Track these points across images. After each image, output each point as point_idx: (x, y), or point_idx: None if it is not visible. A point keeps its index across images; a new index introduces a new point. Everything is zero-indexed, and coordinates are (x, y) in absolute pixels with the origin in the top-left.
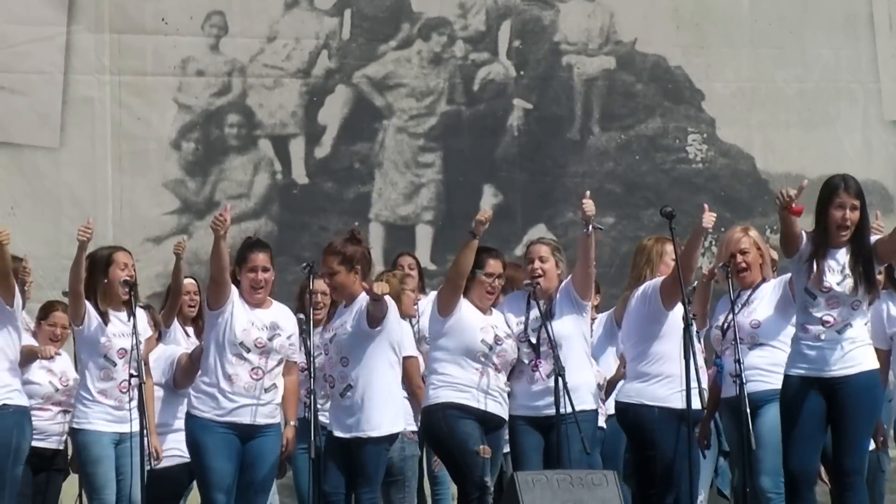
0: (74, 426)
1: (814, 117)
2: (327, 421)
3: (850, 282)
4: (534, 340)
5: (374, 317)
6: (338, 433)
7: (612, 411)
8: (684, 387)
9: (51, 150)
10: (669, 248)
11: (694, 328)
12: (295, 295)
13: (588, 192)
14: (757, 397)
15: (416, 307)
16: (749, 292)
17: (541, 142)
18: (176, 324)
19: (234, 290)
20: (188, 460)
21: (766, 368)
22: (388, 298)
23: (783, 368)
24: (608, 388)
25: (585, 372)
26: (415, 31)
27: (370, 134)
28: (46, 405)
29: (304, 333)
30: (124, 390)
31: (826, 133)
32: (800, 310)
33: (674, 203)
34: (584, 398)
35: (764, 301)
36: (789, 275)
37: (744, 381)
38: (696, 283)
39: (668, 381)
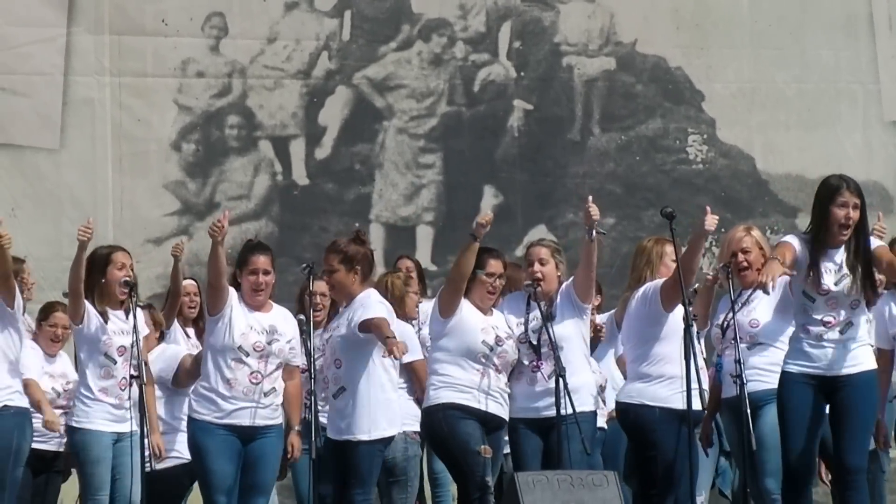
0: (74, 424)
1: (814, 118)
2: (327, 422)
3: (847, 281)
4: (534, 342)
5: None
6: (331, 435)
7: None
8: (685, 387)
9: (51, 152)
10: (669, 248)
11: (694, 329)
12: (295, 296)
13: (591, 198)
14: (757, 397)
15: (417, 309)
16: (749, 292)
17: (541, 143)
18: (176, 325)
19: (233, 293)
20: (188, 461)
21: (766, 368)
22: (386, 303)
23: (777, 368)
24: None
25: (585, 374)
26: (415, 33)
27: (370, 135)
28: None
29: (305, 335)
30: (124, 388)
31: (826, 134)
32: (799, 311)
33: (674, 204)
34: (583, 400)
35: (764, 301)
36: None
37: (744, 381)
38: (697, 284)
39: (669, 382)
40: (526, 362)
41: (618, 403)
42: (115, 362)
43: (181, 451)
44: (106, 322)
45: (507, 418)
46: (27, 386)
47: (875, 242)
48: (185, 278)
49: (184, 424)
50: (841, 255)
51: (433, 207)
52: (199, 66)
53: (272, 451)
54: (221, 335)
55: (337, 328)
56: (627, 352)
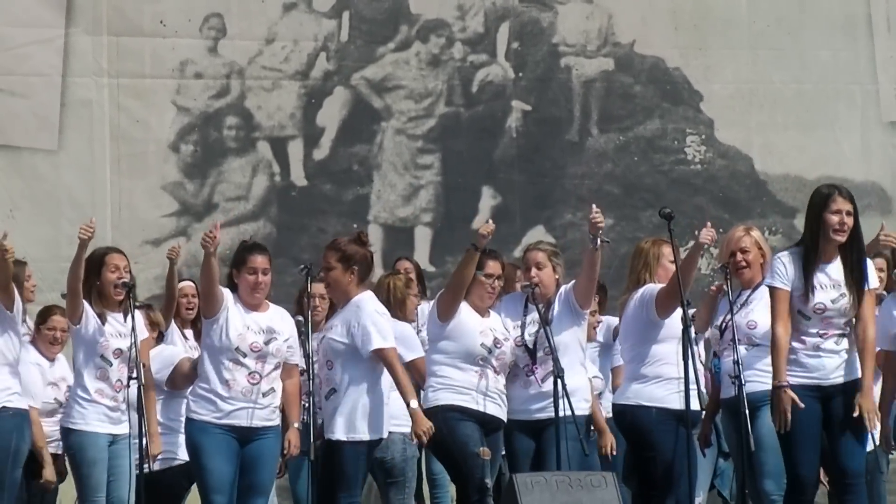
0: (70, 426)
1: (812, 118)
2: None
3: (845, 301)
4: (530, 346)
5: None
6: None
7: (609, 414)
8: (682, 388)
9: (49, 153)
10: (667, 250)
11: (692, 330)
12: (294, 298)
13: (594, 206)
14: (754, 398)
15: (416, 311)
16: (748, 293)
17: (539, 143)
18: (174, 326)
19: (228, 294)
20: (186, 462)
21: (764, 369)
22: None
23: None
24: None
25: (578, 378)
26: (413, 33)
27: (369, 136)
28: (52, 416)
29: (303, 336)
30: (119, 390)
31: (824, 134)
32: (793, 325)
33: (672, 204)
34: (577, 404)
35: (762, 302)
36: None
37: (742, 382)
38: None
39: (666, 382)
40: (521, 365)
41: (614, 405)
42: (111, 364)
43: (179, 452)
44: (103, 324)
45: (505, 419)
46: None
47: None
48: (182, 280)
49: (181, 426)
50: (837, 271)
51: (431, 208)
52: (198, 67)
53: (270, 452)
54: (218, 336)
55: (331, 329)
56: (624, 352)
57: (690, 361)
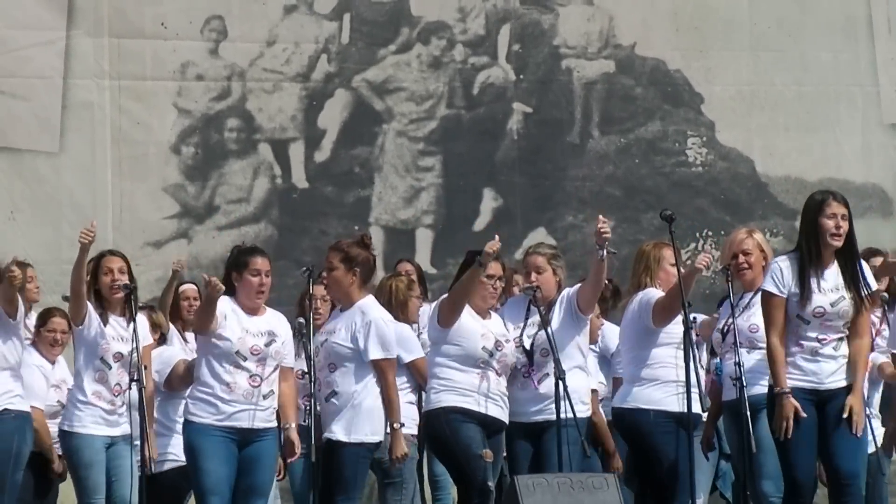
0: (66, 428)
1: (813, 120)
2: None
3: (845, 304)
4: (528, 347)
5: None
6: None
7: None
8: (681, 391)
9: (51, 155)
10: (667, 252)
11: (694, 333)
12: (296, 300)
13: (602, 217)
14: (756, 400)
15: (419, 313)
16: (750, 295)
17: (540, 145)
18: (174, 329)
19: (225, 299)
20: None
21: (765, 372)
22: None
23: None
24: None
25: (576, 380)
26: (414, 35)
27: (370, 138)
28: (54, 418)
29: (305, 338)
30: (117, 393)
31: (825, 136)
32: (791, 329)
33: (673, 206)
34: (575, 406)
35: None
36: None
37: (744, 384)
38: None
39: (664, 385)
40: (518, 367)
41: (613, 409)
42: (111, 368)
43: (179, 453)
44: (105, 326)
45: (507, 421)
46: (38, 432)
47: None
48: (184, 282)
49: (179, 427)
50: (835, 275)
51: (432, 210)
52: (199, 69)
53: (269, 453)
54: (218, 339)
55: (334, 332)
56: (623, 353)
57: (692, 363)
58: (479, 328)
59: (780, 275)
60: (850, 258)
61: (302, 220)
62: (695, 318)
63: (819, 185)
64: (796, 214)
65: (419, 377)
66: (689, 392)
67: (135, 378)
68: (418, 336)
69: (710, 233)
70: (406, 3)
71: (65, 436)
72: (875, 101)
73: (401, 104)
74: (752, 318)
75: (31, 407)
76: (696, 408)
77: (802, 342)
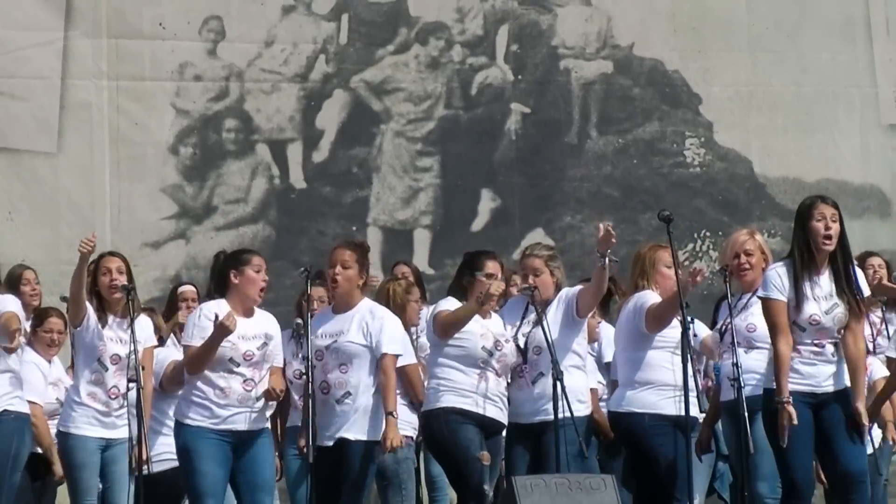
0: (62, 429)
1: (811, 121)
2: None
3: (839, 311)
4: (521, 345)
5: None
6: (323, 442)
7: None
8: (677, 393)
9: (49, 156)
10: (663, 254)
11: (691, 332)
12: (294, 301)
13: (602, 224)
14: (753, 401)
15: (419, 316)
16: (749, 296)
17: (539, 146)
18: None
19: (220, 307)
20: None
21: (761, 372)
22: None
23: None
24: None
25: (572, 380)
26: (412, 36)
27: (368, 138)
28: (53, 416)
29: (302, 339)
30: (114, 396)
31: (823, 137)
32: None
33: (671, 207)
34: (573, 405)
35: (759, 304)
36: None
37: (742, 384)
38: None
39: (659, 388)
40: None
41: (609, 413)
42: (107, 369)
43: (174, 453)
44: (103, 328)
45: (505, 422)
46: (37, 427)
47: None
48: (183, 284)
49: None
50: (828, 282)
51: (430, 211)
52: (197, 69)
53: (266, 451)
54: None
55: (344, 333)
56: (618, 355)
57: (689, 365)
58: (478, 328)
59: (779, 280)
60: (842, 262)
61: (300, 220)
62: (692, 319)
63: (817, 186)
64: (794, 215)
65: (406, 383)
66: (686, 394)
67: (132, 379)
68: (416, 339)
69: (707, 233)
70: (404, 3)
71: (60, 436)
72: (873, 102)
73: (399, 105)
74: (750, 317)
75: (31, 403)
76: (694, 411)
77: (800, 347)
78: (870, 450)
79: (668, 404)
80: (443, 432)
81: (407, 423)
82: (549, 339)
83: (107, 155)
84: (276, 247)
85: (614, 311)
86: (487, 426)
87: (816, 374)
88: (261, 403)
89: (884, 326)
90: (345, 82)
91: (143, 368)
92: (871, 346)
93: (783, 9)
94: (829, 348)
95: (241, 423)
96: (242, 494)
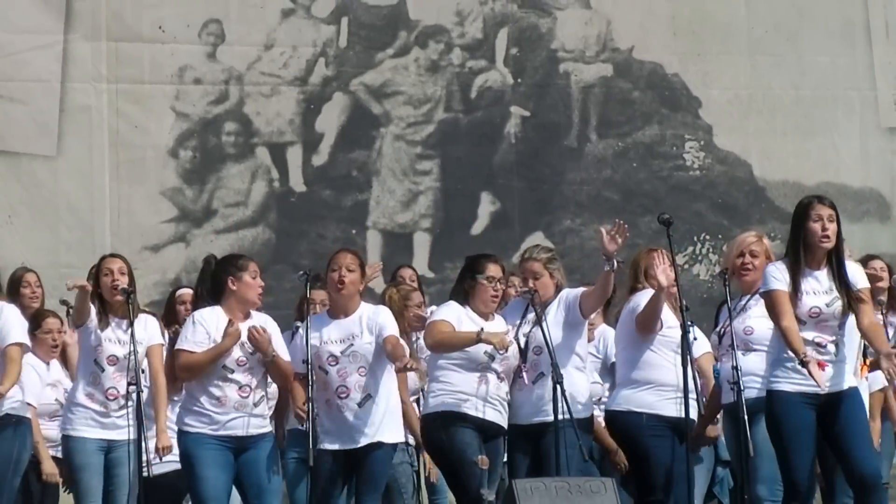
0: (63, 433)
1: (811, 125)
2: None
3: (839, 304)
4: (521, 345)
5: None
6: (343, 445)
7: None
8: (677, 395)
9: (48, 159)
10: (656, 257)
11: (691, 335)
12: (294, 304)
13: (605, 230)
14: (751, 403)
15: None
16: (748, 298)
17: (538, 149)
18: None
19: (217, 316)
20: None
21: (760, 374)
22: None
23: None
24: None
25: (572, 382)
26: (412, 39)
27: (367, 142)
28: (53, 418)
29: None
30: (112, 397)
31: (823, 140)
32: None
33: (671, 210)
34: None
35: (759, 308)
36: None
37: (741, 387)
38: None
39: (657, 389)
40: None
41: (606, 412)
42: (104, 370)
43: (176, 455)
44: (103, 330)
45: (505, 426)
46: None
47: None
48: (181, 287)
49: (174, 428)
50: (825, 277)
51: (430, 214)
52: (196, 72)
53: (269, 455)
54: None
55: (357, 336)
56: (618, 355)
57: (689, 368)
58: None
59: (779, 274)
60: (836, 260)
61: (300, 223)
62: (691, 323)
63: (816, 190)
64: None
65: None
66: (686, 397)
67: (132, 382)
68: (416, 341)
69: (707, 237)
70: (404, 6)
71: (63, 439)
72: (873, 105)
73: (398, 108)
74: (748, 320)
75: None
76: (693, 414)
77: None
78: None
79: (668, 406)
80: (440, 436)
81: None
82: (549, 342)
83: (106, 158)
84: (276, 250)
85: (612, 315)
86: (487, 429)
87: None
88: (259, 409)
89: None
90: (344, 85)
91: (143, 371)
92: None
93: (783, 12)
94: (831, 348)
95: (239, 429)
96: (249, 498)
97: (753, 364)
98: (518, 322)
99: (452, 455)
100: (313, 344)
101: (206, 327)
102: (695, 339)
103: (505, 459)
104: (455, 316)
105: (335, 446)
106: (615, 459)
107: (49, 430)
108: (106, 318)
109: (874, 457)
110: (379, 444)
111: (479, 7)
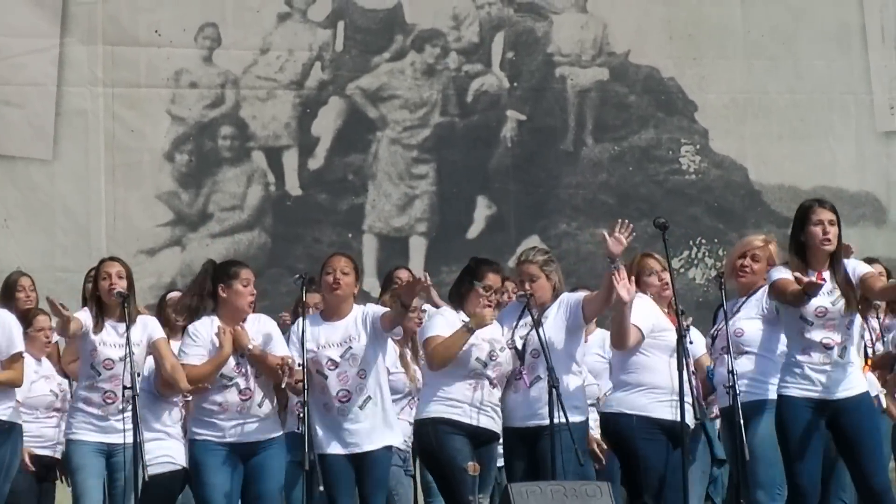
0: (65, 437)
1: (806, 128)
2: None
3: (843, 302)
4: (519, 347)
5: (393, 321)
6: (351, 449)
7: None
8: (672, 397)
9: (44, 163)
10: (650, 263)
11: (688, 339)
12: (290, 308)
13: (606, 233)
14: (746, 407)
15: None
16: (742, 301)
17: (534, 153)
18: None
19: (211, 325)
20: (179, 467)
21: (751, 377)
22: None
23: (766, 377)
24: None
25: (568, 385)
26: (408, 43)
27: (364, 145)
28: (50, 412)
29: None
30: (109, 401)
31: (819, 144)
32: (796, 335)
33: (667, 214)
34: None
35: (750, 308)
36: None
37: (737, 391)
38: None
39: (650, 391)
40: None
41: (600, 414)
42: (100, 374)
43: (172, 456)
44: (98, 332)
45: (499, 432)
46: None
47: (860, 267)
48: (174, 290)
49: (172, 431)
50: (828, 278)
51: (426, 218)
52: (193, 76)
53: (274, 462)
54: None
55: (354, 339)
56: (613, 357)
57: (685, 372)
58: (472, 338)
59: (784, 272)
60: (835, 260)
61: (295, 227)
62: (688, 326)
63: (812, 194)
64: (790, 222)
65: None
66: (682, 400)
67: (127, 386)
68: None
69: (703, 241)
70: (400, 10)
71: (65, 444)
72: (868, 109)
73: (394, 112)
74: (738, 322)
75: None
76: (689, 418)
77: (809, 351)
78: None
79: (661, 408)
80: (431, 442)
81: (402, 433)
82: (545, 346)
83: (102, 162)
84: (272, 254)
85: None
86: (479, 436)
87: (826, 381)
88: (263, 410)
89: (882, 334)
90: (340, 89)
91: (139, 375)
92: (870, 352)
93: (778, 16)
94: (836, 350)
95: (245, 434)
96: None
97: (744, 367)
98: (514, 325)
99: (443, 461)
100: (311, 349)
101: (201, 338)
102: (691, 342)
103: (501, 463)
104: (447, 326)
105: (342, 451)
106: (593, 449)
107: (46, 427)
108: (102, 321)
109: (884, 468)
110: (383, 447)
111: (476, 11)
